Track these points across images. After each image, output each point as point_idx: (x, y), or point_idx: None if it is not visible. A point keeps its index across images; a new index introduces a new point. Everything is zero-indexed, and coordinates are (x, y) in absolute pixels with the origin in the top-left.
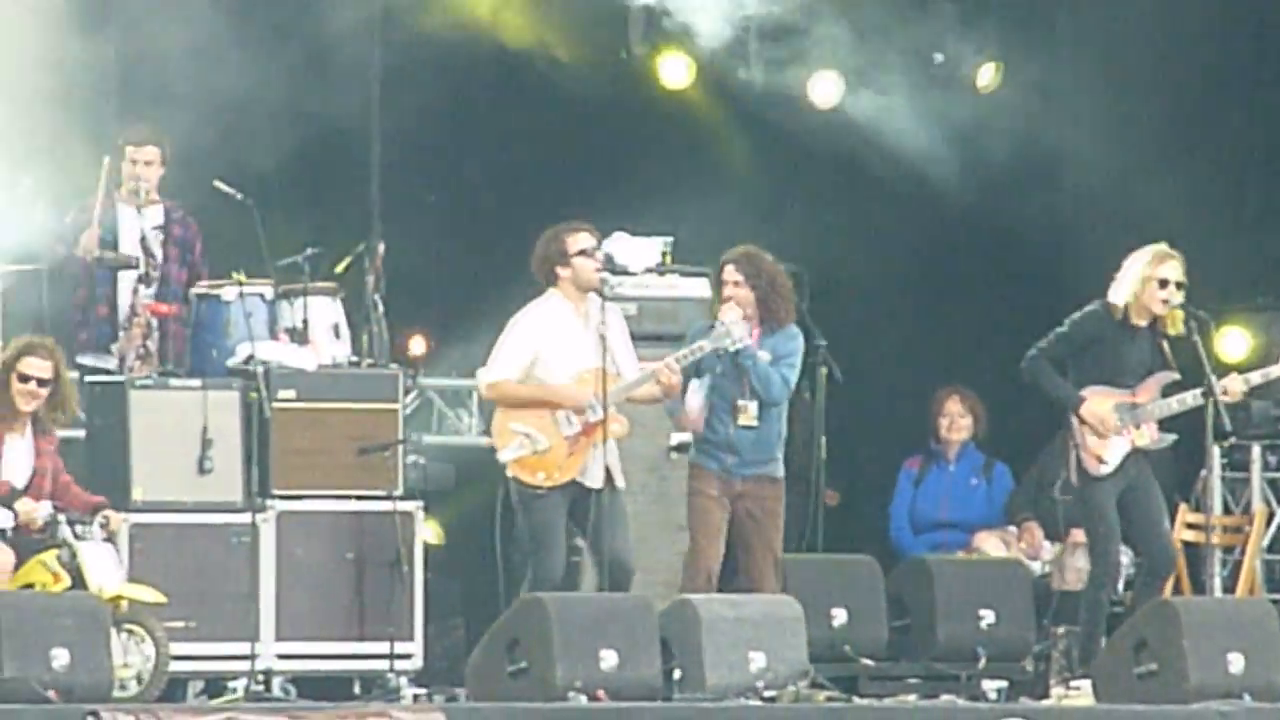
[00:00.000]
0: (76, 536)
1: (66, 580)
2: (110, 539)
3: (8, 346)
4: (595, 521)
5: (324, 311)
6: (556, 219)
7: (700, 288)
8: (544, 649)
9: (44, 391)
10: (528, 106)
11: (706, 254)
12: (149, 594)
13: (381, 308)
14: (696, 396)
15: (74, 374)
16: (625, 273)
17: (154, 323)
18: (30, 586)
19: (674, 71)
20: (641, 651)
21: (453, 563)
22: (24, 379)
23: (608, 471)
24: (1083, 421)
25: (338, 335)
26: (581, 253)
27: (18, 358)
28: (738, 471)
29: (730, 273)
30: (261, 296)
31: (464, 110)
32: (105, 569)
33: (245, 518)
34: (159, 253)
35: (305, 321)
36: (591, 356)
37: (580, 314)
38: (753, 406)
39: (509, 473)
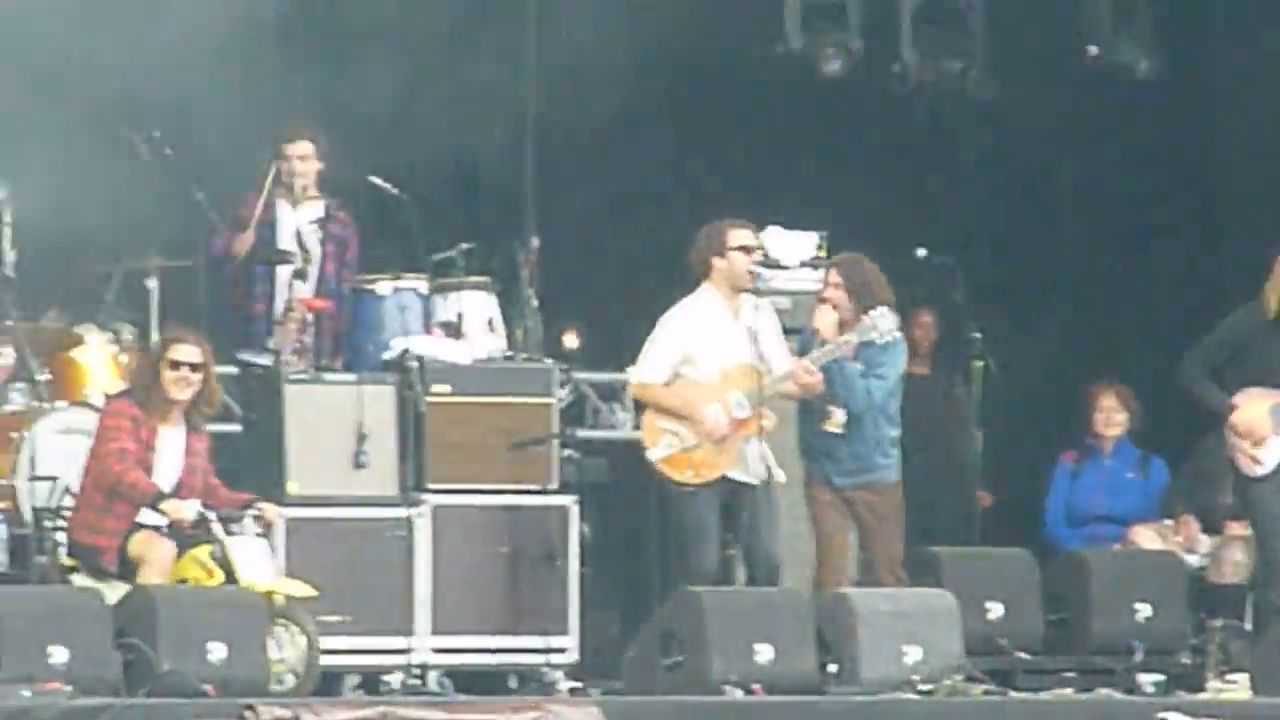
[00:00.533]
0: (228, 532)
1: (219, 576)
2: (264, 532)
3: (155, 345)
4: (750, 517)
5: (478, 306)
6: (710, 212)
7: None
8: (699, 643)
9: (196, 378)
10: (682, 99)
11: (861, 247)
12: (301, 588)
13: (536, 302)
14: None
15: (232, 369)
16: (779, 266)
17: (309, 318)
18: (184, 583)
19: (831, 62)
20: (797, 645)
21: (608, 556)
22: (175, 365)
23: (766, 467)
24: (1234, 429)
25: (492, 329)
26: (741, 248)
27: (167, 346)
28: (840, 479)
29: (831, 275)
30: (416, 291)
31: (618, 103)
32: (257, 564)
33: (401, 512)
34: (315, 248)
35: (460, 316)
36: (740, 352)
37: (731, 310)
38: (839, 414)
39: (660, 471)
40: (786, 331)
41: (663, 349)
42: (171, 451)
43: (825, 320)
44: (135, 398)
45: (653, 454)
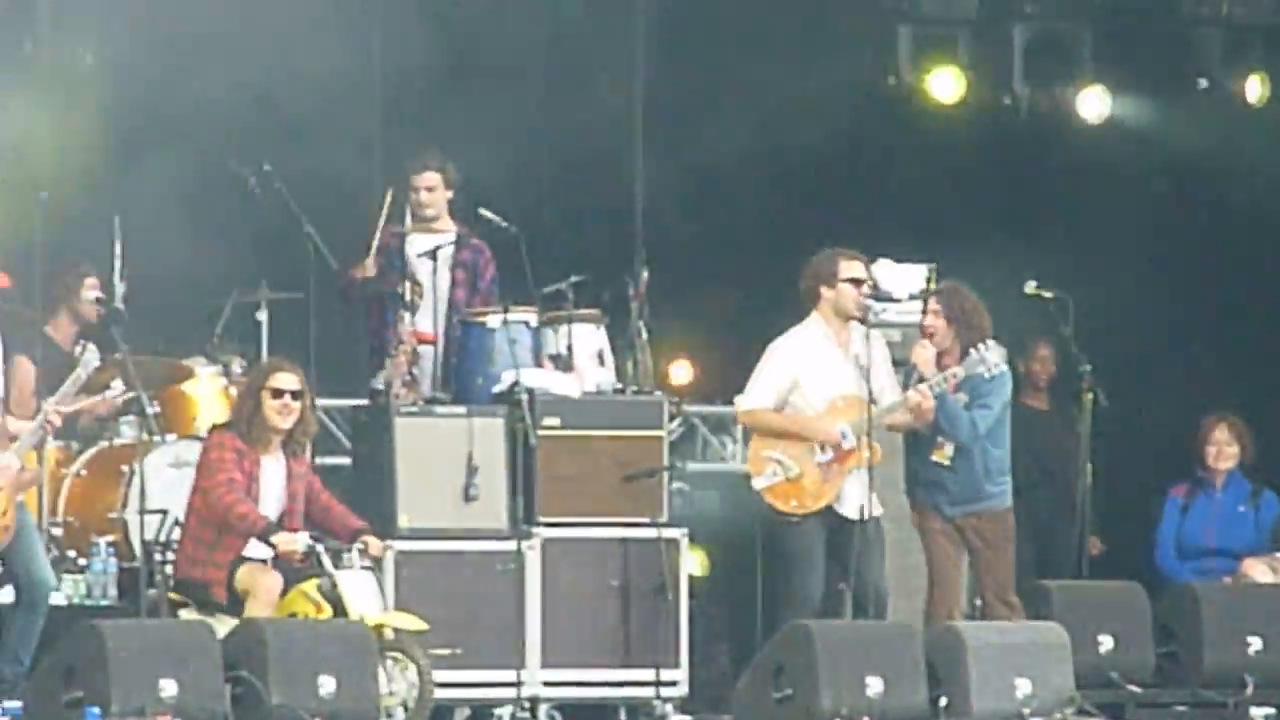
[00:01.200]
0: (336, 565)
1: (328, 610)
2: (371, 565)
3: (254, 372)
4: (857, 551)
5: (588, 338)
6: (820, 245)
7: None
8: (809, 676)
9: (297, 405)
10: (792, 130)
11: (970, 280)
12: (411, 622)
13: (645, 334)
14: None
15: (343, 401)
16: (889, 299)
17: (418, 349)
18: (293, 616)
19: (943, 87)
20: (907, 678)
21: (718, 589)
22: (277, 394)
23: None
24: None
25: (602, 362)
26: (851, 280)
27: (267, 375)
28: (950, 509)
29: (931, 304)
30: (526, 324)
31: (727, 136)
32: (366, 597)
33: (511, 545)
34: (426, 279)
35: (569, 348)
36: (848, 383)
37: (839, 340)
38: (948, 445)
39: (763, 499)
40: (899, 364)
41: (771, 375)
42: (274, 482)
43: (923, 356)
44: (237, 430)
45: (758, 482)
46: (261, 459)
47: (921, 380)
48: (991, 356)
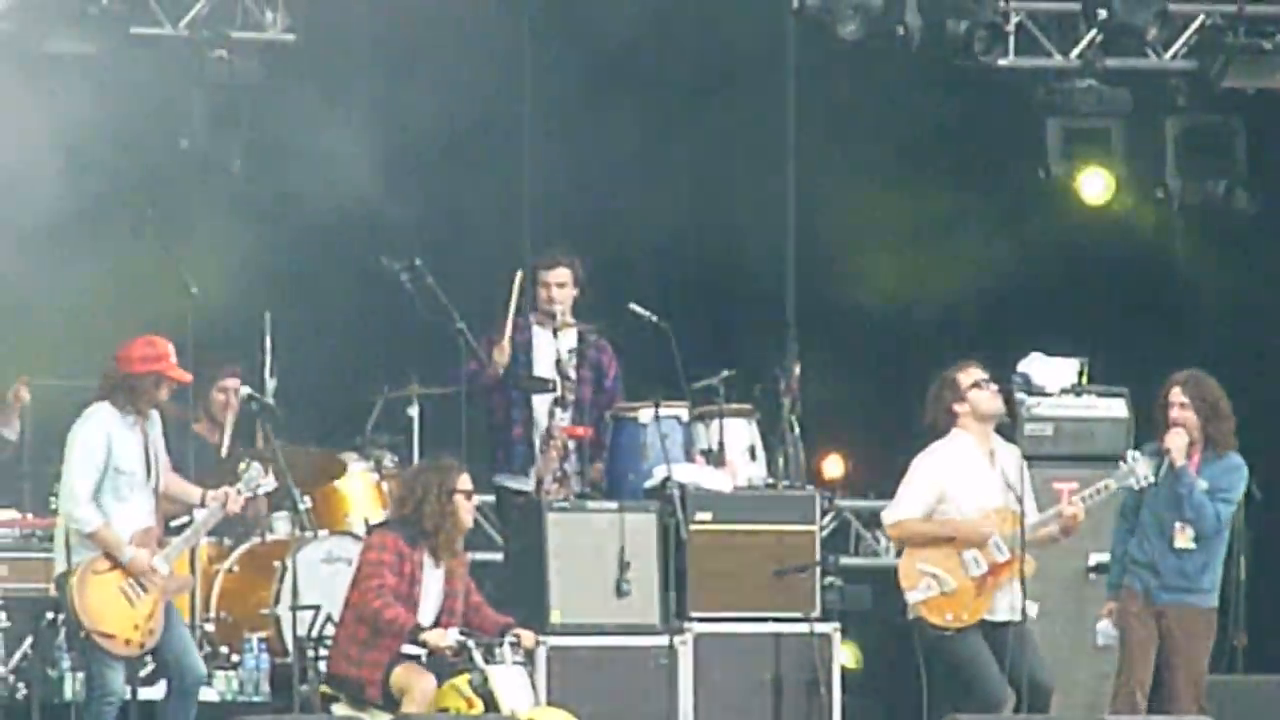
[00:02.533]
0: (487, 660)
1: (479, 706)
2: (523, 660)
3: (416, 469)
4: (1011, 653)
5: (739, 433)
6: (970, 336)
7: (1118, 408)
8: None
9: (472, 505)
10: (942, 223)
11: (1123, 374)
12: (565, 716)
13: (797, 429)
14: None
15: (490, 496)
16: (1042, 393)
17: (570, 445)
18: (444, 712)
19: (1093, 187)
20: None
21: (871, 684)
22: (468, 495)
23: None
24: None
25: (753, 457)
26: (975, 385)
27: (456, 476)
28: (1158, 595)
29: (1176, 394)
30: (678, 419)
31: (874, 227)
32: (518, 692)
33: (663, 640)
34: (574, 375)
35: (721, 443)
36: (996, 495)
37: (985, 452)
38: (1190, 530)
39: (917, 613)
40: (1051, 458)
41: (919, 488)
42: (435, 581)
43: (1178, 443)
44: (403, 532)
45: (912, 596)
46: (424, 560)
47: (1174, 466)
48: (1140, 468)
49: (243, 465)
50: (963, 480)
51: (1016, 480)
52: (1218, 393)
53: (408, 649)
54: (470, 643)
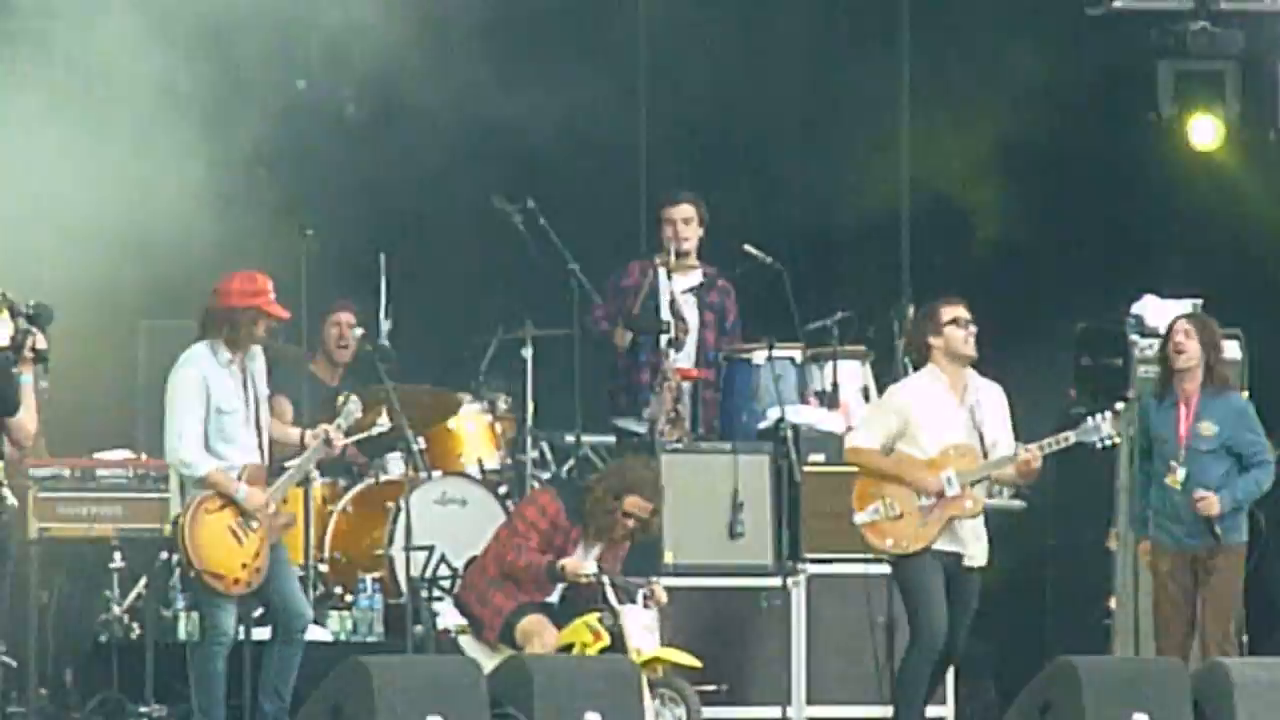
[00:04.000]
0: (620, 600)
1: (606, 640)
2: (654, 609)
3: (617, 477)
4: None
5: (853, 375)
6: (1084, 279)
7: (1232, 349)
8: (1075, 712)
9: (637, 528)
10: (1052, 159)
11: (1237, 315)
12: (685, 658)
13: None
14: None
15: (610, 438)
16: (1155, 335)
17: (684, 387)
18: (570, 647)
19: (1204, 133)
20: (1173, 715)
21: (985, 623)
22: (628, 515)
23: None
24: None
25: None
26: (953, 321)
27: (627, 494)
28: (1186, 542)
29: (1183, 324)
30: (791, 360)
31: (989, 166)
32: (645, 635)
33: (776, 581)
34: (690, 316)
35: (835, 385)
36: (960, 432)
37: (955, 388)
38: (1180, 470)
39: (863, 536)
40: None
41: (880, 418)
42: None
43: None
44: (569, 503)
45: (859, 518)
46: (579, 539)
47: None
48: (1105, 427)
49: (340, 399)
50: (927, 415)
51: (988, 417)
52: (1219, 336)
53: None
54: (606, 579)
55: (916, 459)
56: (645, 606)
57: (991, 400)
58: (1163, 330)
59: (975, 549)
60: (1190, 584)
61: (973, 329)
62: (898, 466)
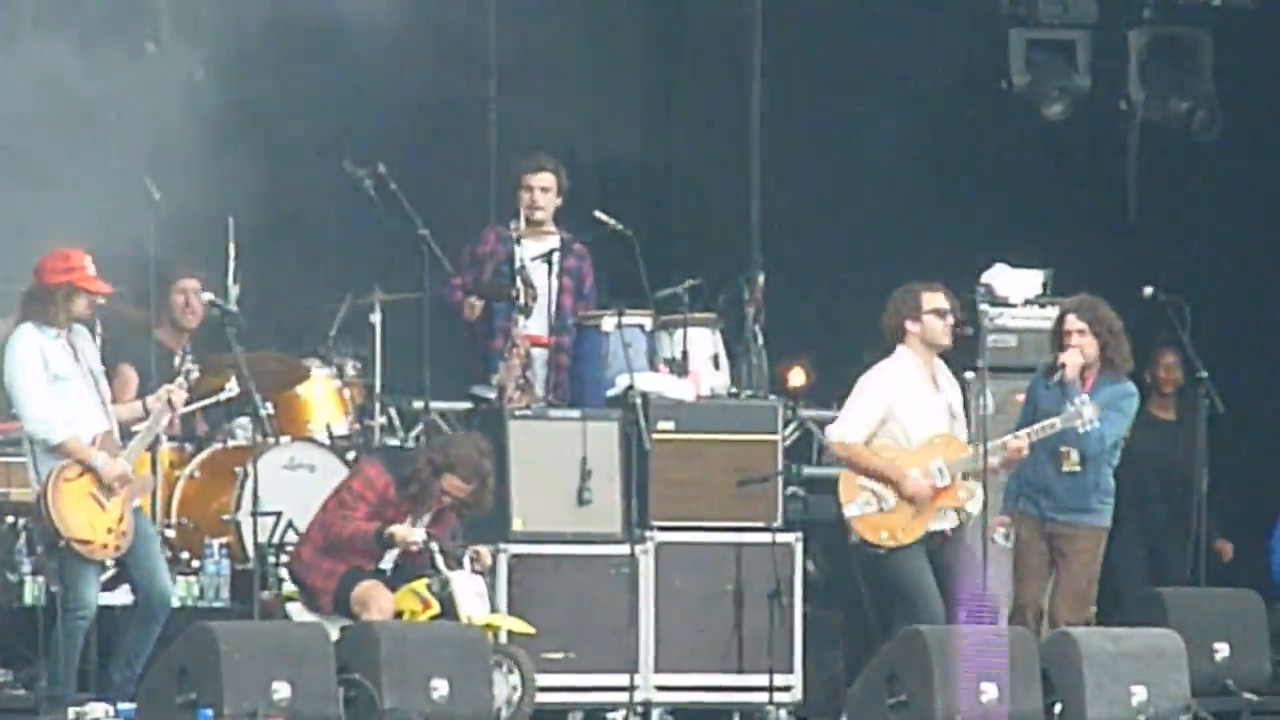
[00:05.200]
0: (449, 566)
1: (436, 608)
2: (482, 572)
3: (440, 453)
4: (946, 560)
5: (703, 342)
6: (935, 249)
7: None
8: (924, 682)
9: (459, 507)
10: (908, 135)
11: (1086, 285)
12: (519, 624)
13: (761, 339)
14: None
15: (458, 403)
16: (1005, 304)
17: (532, 353)
18: (400, 615)
19: (1053, 105)
20: (1022, 684)
21: (832, 594)
22: (445, 494)
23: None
24: None
25: (717, 366)
26: (934, 311)
27: (441, 475)
28: (1051, 515)
29: (1072, 322)
30: (641, 327)
31: (844, 140)
32: (475, 600)
33: (624, 549)
34: (540, 282)
35: (685, 352)
36: (940, 420)
37: (928, 376)
38: (1075, 453)
39: (853, 530)
40: (1015, 370)
41: (863, 409)
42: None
43: (1073, 359)
44: (396, 474)
45: (849, 510)
46: (406, 511)
47: (1066, 381)
48: (1087, 411)
49: (177, 360)
50: (908, 401)
51: (957, 407)
52: (1111, 314)
53: (381, 563)
54: (434, 545)
55: (901, 455)
56: (473, 570)
57: (954, 389)
58: (1013, 300)
59: (951, 519)
60: (1048, 560)
61: (950, 320)
62: (890, 469)
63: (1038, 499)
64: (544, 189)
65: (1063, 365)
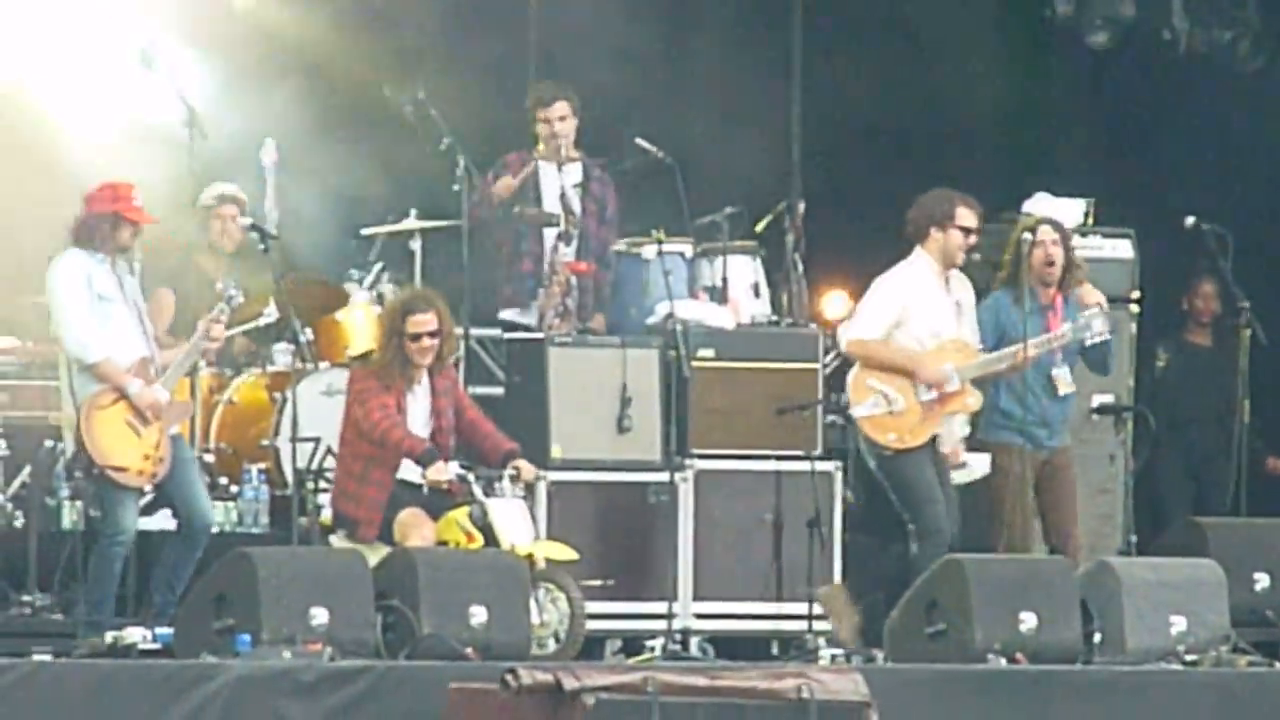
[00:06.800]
0: (488, 494)
1: (479, 539)
2: (524, 494)
3: (387, 315)
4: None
5: (743, 270)
6: (979, 180)
7: (1123, 249)
8: (963, 611)
9: (435, 342)
10: (946, 67)
11: (1130, 214)
12: (562, 551)
13: (801, 267)
14: None
15: (495, 330)
16: None
17: (573, 280)
18: (443, 544)
19: (1098, 33)
20: (1061, 614)
21: (872, 523)
22: (415, 338)
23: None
24: None
25: (757, 294)
26: (963, 228)
27: (403, 320)
28: (1048, 442)
29: (1048, 231)
30: (681, 255)
31: (887, 67)
32: (517, 526)
33: (664, 476)
34: (578, 209)
35: (724, 280)
36: (951, 325)
37: (942, 281)
38: (1066, 373)
39: (862, 430)
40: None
41: (879, 308)
42: (420, 404)
43: (1094, 295)
44: (375, 370)
45: (858, 410)
46: (405, 393)
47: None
48: (1098, 324)
49: (219, 286)
50: (922, 305)
51: (967, 314)
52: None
53: (406, 473)
54: (470, 476)
55: (916, 350)
56: (515, 489)
57: (968, 298)
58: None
59: (947, 429)
60: (1033, 486)
61: (972, 239)
62: (906, 358)
63: (1034, 431)
64: (562, 118)
65: (1085, 315)
